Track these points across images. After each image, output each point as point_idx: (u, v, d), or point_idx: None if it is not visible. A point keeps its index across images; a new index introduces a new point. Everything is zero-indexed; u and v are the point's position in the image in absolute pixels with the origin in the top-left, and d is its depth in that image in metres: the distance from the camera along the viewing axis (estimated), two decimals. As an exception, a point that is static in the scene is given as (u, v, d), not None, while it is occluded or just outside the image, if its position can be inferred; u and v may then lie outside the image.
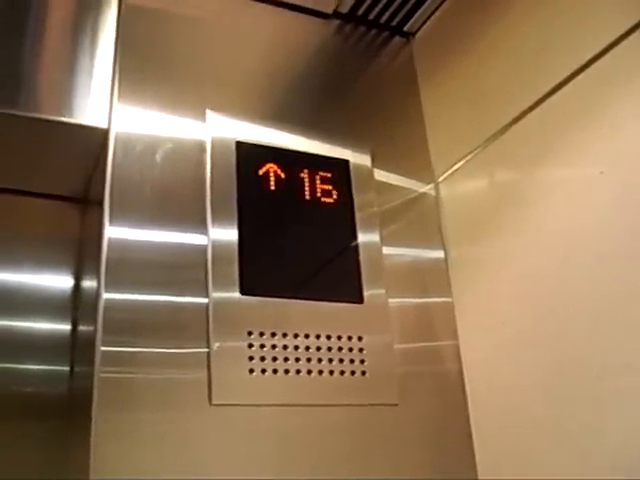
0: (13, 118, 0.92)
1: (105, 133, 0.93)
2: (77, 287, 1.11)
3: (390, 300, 1.01)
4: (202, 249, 0.91)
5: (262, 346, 0.89)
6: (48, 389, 1.04)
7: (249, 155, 0.99)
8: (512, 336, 0.95)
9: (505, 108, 0.99)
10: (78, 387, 0.99)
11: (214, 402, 0.84)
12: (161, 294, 0.87)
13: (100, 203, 0.90)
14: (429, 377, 1.00)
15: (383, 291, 1.01)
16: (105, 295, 0.84)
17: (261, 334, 0.90)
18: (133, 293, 0.86)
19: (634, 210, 0.78)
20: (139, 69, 0.99)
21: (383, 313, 1.00)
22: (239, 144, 0.99)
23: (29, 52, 0.96)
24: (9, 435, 0.99)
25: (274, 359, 0.89)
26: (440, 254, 1.09)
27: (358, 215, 1.04)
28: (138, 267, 0.87)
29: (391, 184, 1.11)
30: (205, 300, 0.89)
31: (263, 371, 0.88)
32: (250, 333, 0.89)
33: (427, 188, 1.14)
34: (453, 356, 1.03)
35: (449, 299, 1.07)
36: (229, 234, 0.93)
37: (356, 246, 1.02)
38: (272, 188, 0.99)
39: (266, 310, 0.91)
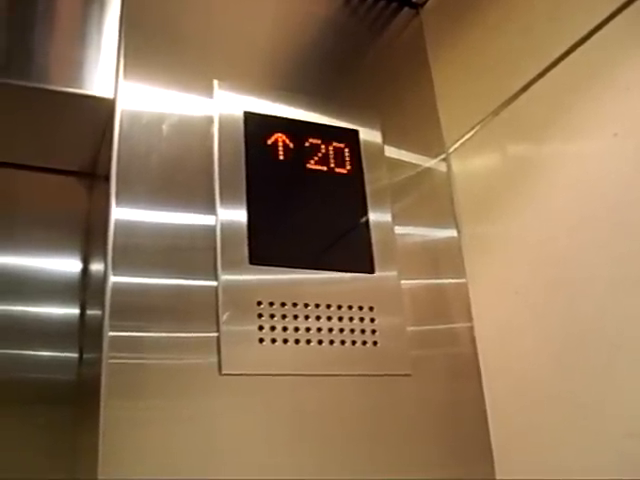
0: (20, 89, 0.91)
1: (112, 104, 0.92)
2: (85, 269, 1.09)
3: (403, 281, 0.99)
4: (211, 222, 0.90)
5: (272, 316, 0.88)
6: (57, 375, 1.02)
7: (257, 125, 0.98)
8: (527, 312, 0.93)
9: (515, 76, 0.97)
10: (87, 374, 0.97)
11: (224, 372, 0.82)
12: (169, 274, 0.85)
13: (107, 178, 0.89)
14: (443, 357, 0.98)
15: (394, 260, 0.99)
16: (112, 279, 0.82)
17: (271, 304, 0.88)
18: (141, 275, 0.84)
19: (650, 170, 0.77)
20: (145, 37, 0.97)
21: (394, 283, 0.98)
22: (247, 114, 0.98)
23: (39, 23, 0.95)
24: (18, 421, 0.98)
25: (284, 329, 0.88)
26: (453, 232, 1.08)
27: (369, 187, 1.02)
28: (146, 246, 0.86)
29: (402, 157, 1.09)
30: (214, 271, 0.87)
31: (273, 341, 0.87)
32: (260, 303, 0.88)
33: (438, 160, 1.12)
34: (467, 338, 1.01)
35: (463, 280, 1.05)
36: (238, 205, 0.92)
37: (367, 217, 1.00)
38: (281, 158, 0.97)
39: (275, 279, 0.90)
